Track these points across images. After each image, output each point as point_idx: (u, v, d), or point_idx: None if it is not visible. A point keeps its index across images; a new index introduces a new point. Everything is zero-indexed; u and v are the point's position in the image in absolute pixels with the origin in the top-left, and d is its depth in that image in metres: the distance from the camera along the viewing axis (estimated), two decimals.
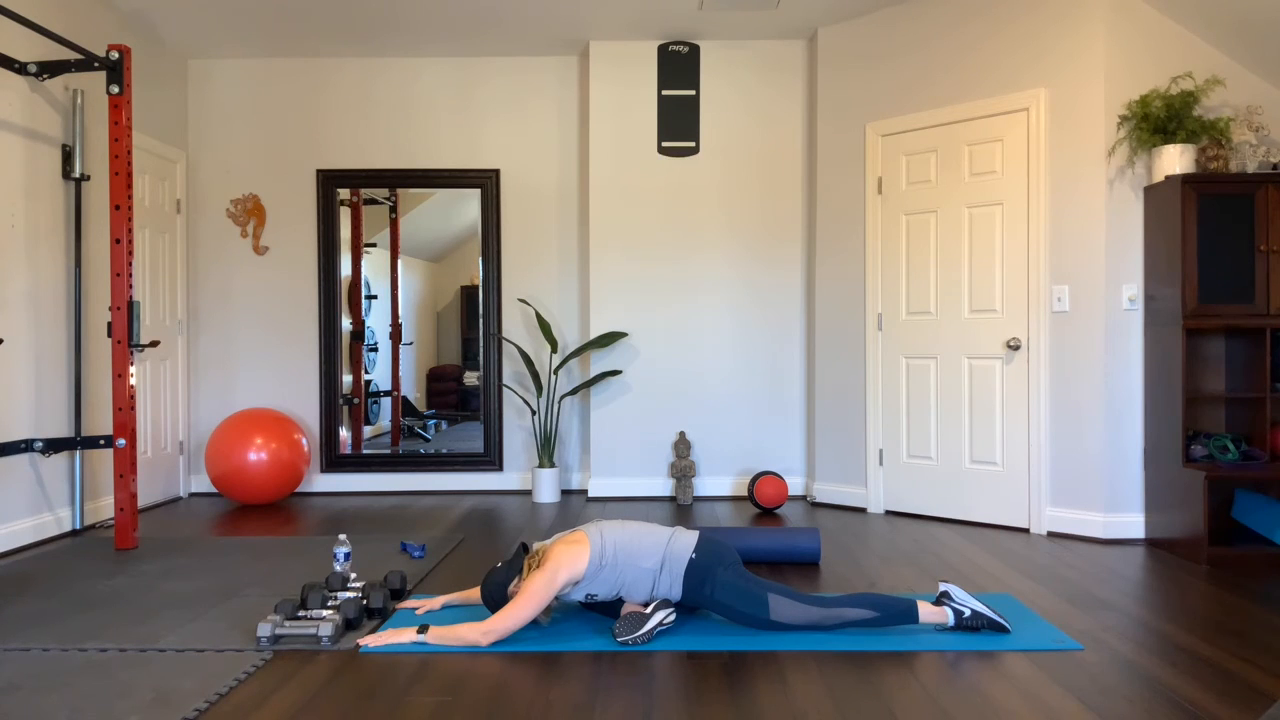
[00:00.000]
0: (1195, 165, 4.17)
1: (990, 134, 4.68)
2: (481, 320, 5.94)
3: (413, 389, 5.96)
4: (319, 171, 5.89)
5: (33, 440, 4.31)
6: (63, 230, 4.65)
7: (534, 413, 5.70)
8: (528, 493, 5.83)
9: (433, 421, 5.95)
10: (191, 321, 5.92)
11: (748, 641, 2.87)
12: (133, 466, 4.25)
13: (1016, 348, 4.60)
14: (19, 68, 4.27)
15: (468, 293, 5.96)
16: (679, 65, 5.62)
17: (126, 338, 4.23)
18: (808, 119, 5.61)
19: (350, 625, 2.99)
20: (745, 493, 5.68)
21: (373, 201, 5.94)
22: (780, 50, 5.65)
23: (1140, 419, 4.37)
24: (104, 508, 4.94)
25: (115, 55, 4.24)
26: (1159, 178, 4.20)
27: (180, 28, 5.32)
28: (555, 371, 5.70)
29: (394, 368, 5.94)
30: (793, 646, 2.82)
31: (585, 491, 5.89)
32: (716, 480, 5.68)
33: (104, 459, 4.96)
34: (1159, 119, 4.19)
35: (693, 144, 5.63)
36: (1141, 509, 4.36)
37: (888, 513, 5.08)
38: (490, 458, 5.91)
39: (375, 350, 5.94)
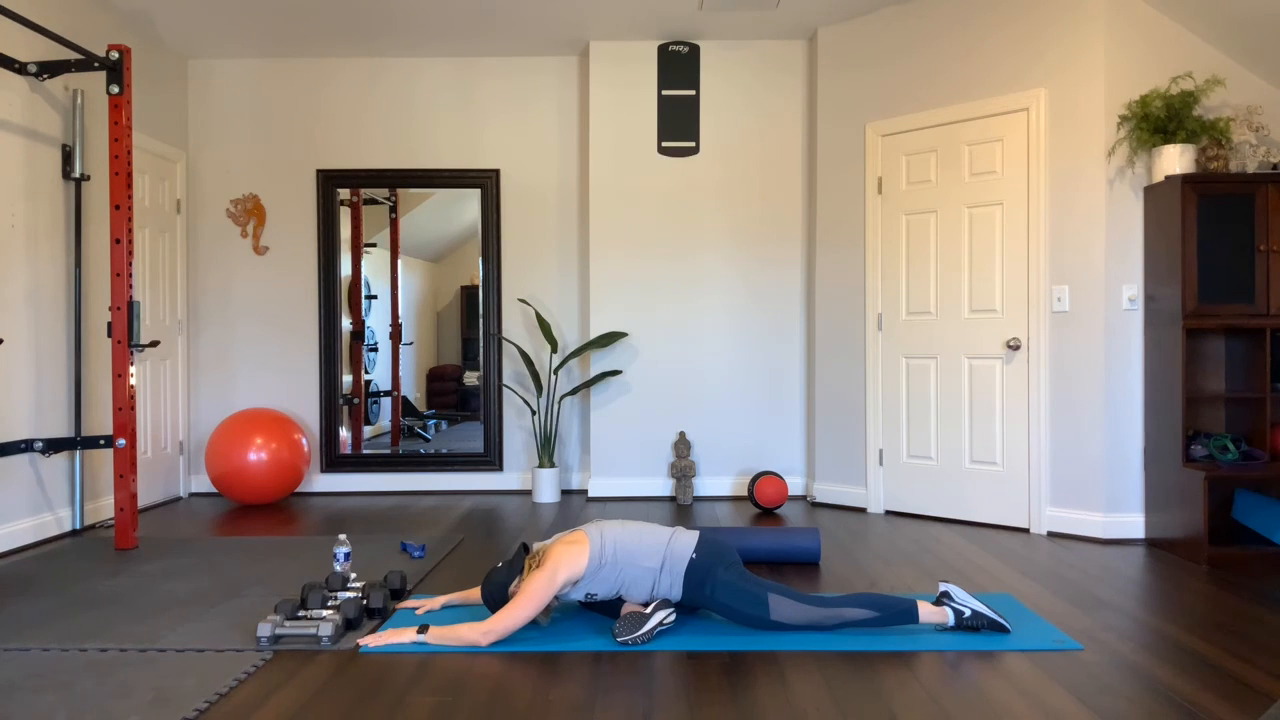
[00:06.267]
0: (1195, 165, 4.17)
1: (990, 134, 4.68)
2: (481, 320, 5.94)
3: (413, 389, 5.96)
4: (319, 171, 5.89)
5: (33, 440, 4.31)
6: (63, 230, 4.65)
7: (534, 413, 5.70)
8: (528, 493, 5.83)
9: (433, 421, 5.95)
10: (191, 321, 5.92)
11: (748, 641, 2.87)
12: (133, 466, 4.25)
13: (1016, 348, 4.60)
14: (19, 68, 4.27)
15: (468, 293, 5.96)
16: (679, 65, 5.62)
17: (126, 338, 4.23)
18: (808, 119, 5.61)
19: (350, 625, 2.99)
20: (745, 493, 5.68)
21: (373, 201, 5.94)
22: (780, 50, 5.65)
23: (1140, 419, 4.37)
24: (104, 508, 4.94)
25: (115, 55, 4.24)
26: (1159, 178, 4.20)
27: (180, 28, 5.32)
28: (555, 371, 5.70)
29: (394, 368, 5.94)
30: (793, 646, 2.82)
31: (585, 491, 5.89)
32: (716, 480, 5.68)
33: (104, 459, 4.96)
34: (1159, 119, 4.19)
35: (693, 144, 5.63)
36: (1141, 509, 4.36)
37: (888, 513, 5.08)
38: (490, 458, 5.91)
39: (375, 350, 5.94)
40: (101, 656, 2.75)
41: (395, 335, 5.95)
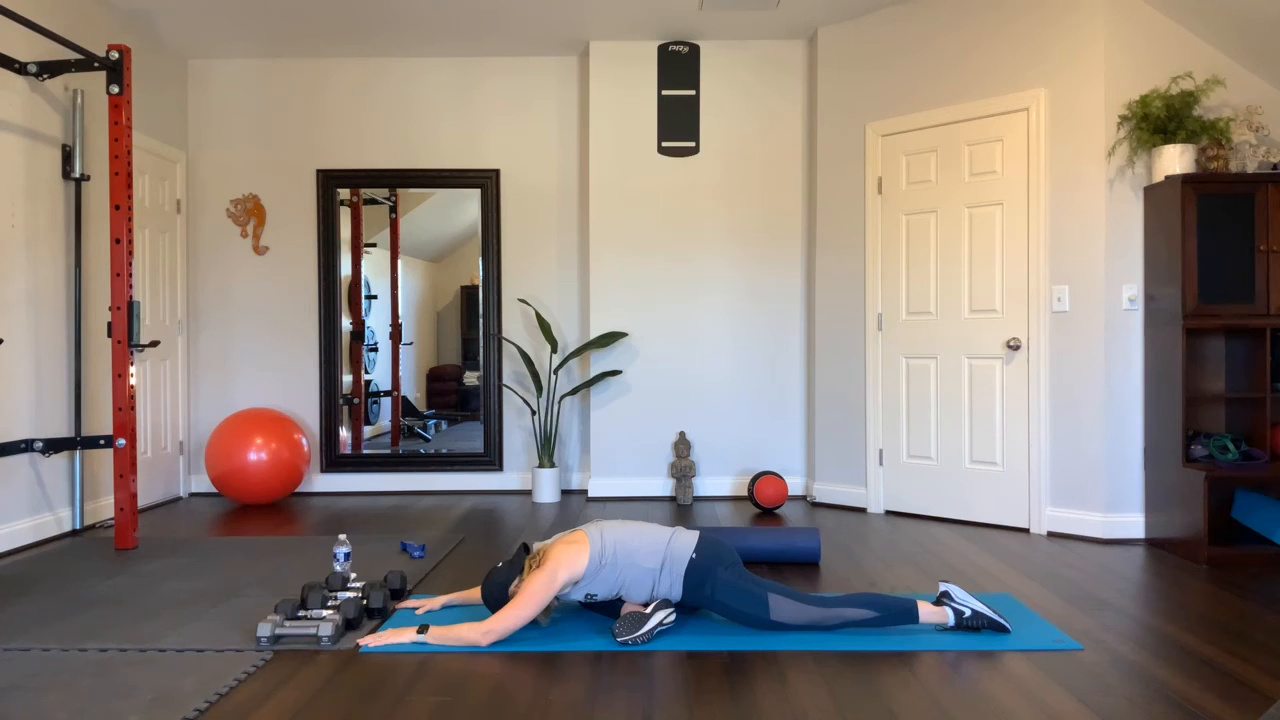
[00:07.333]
0: (1195, 165, 4.17)
1: (990, 134, 4.68)
2: (481, 320, 5.94)
3: (413, 389, 5.96)
4: (319, 171, 5.89)
5: (33, 440, 4.31)
6: (63, 230, 4.65)
7: (534, 413, 5.70)
8: (528, 493, 5.83)
9: (433, 421, 5.95)
10: (191, 321, 5.92)
11: (748, 641, 2.87)
12: (133, 466, 4.25)
13: (1016, 348, 4.60)
14: (19, 68, 4.27)
15: (468, 293, 5.96)
16: (679, 65, 5.62)
17: (126, 338, 4.23)
18: (808, 119, 5.61)
19: (350, 625, 2.99)
20: (745, 493, 5.68)
21: (373, 201, 5.94)
22: (780, 50, 5.65)
23: (1140, 419, 4.37)
24: (104, 508, 4.94)
25: (115, 55, 4.24)
26: (1159, 178, 4.20)
27: (180, 28, 5.32)
28: (555, 371, 5.70)
29: (394, 368, 5.94)
30: (793, 646, 2.82)
31: (585, 491, 5.89)
32: (716, 480, 5.68)
33: (104, 459, 4.96)
34: (1159, 119, 4.19)
35: (693, 144, 5.63)
36: (1141, 509, 4.36)
37: (888, 513, 5.08)
38: (490, 458, 5.91)
39: (375, 350, 5.94)
40: (101, 656, 2.75)
41: (395, 335, 5.95)
